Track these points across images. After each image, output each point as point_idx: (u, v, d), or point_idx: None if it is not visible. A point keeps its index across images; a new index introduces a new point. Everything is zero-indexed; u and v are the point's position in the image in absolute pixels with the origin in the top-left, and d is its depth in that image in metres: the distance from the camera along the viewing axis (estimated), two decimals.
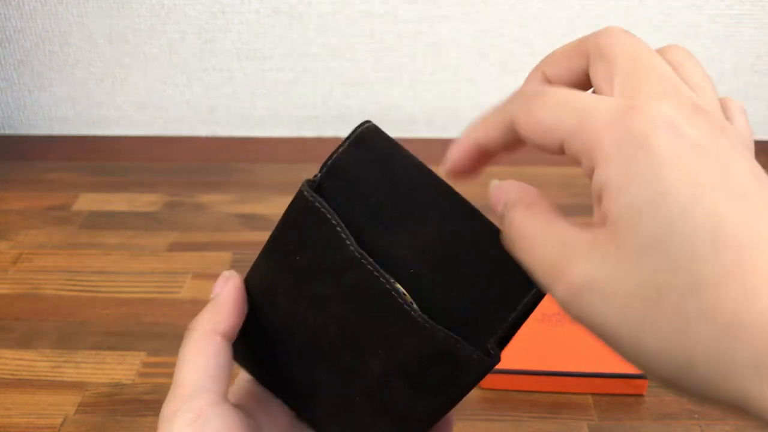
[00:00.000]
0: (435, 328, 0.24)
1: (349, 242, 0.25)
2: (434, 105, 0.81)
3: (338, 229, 0.25)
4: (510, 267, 0.24)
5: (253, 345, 0.29)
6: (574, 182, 0.75)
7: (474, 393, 0.49)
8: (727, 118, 0.22)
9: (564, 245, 0.21)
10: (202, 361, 0.28)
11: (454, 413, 0.43)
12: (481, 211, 0.27)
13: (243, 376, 0.32)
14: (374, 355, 0.25)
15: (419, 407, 0.26)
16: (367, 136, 0.27)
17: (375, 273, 0.25)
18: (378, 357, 0.25)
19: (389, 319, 0.25)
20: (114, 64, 0.79)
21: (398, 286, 0.25)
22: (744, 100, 0.80)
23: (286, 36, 0.77)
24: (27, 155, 0.79)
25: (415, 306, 0.25)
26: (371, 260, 0.25)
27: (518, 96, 0.24)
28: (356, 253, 0.25)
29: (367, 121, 0.28)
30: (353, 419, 0.27)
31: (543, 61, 0.26)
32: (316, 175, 0.27)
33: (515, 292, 0.26)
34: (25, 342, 0.53)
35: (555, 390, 0.49)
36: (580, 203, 0.73)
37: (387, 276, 0.25)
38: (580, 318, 0.21)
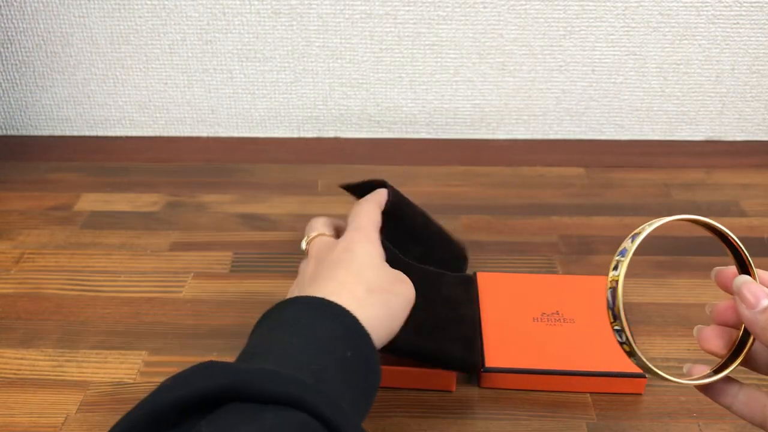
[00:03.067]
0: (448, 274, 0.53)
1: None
2: (434, 105, 0.82)
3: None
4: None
5: None
6: (571, 182, 0.75)
7: (473, 392, 0.49)
8: None
9: None
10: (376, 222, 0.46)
11: (454, 411, 0.45)
12: None
13: None
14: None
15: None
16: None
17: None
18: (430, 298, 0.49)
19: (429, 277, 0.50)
20: (115, 65, 0.80)
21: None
22: (742, 100, 0.81)
23: (287, 37, 0.78)
24: (29, 156, 0.80)
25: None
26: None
27: None
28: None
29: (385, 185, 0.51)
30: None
31: None
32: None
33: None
34: (27, 341, 0.54)
35: (554, 389, 0.49)
36: (578, 203, 0.74)
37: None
38: None
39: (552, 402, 0.49)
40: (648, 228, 0.35)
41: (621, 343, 0.35)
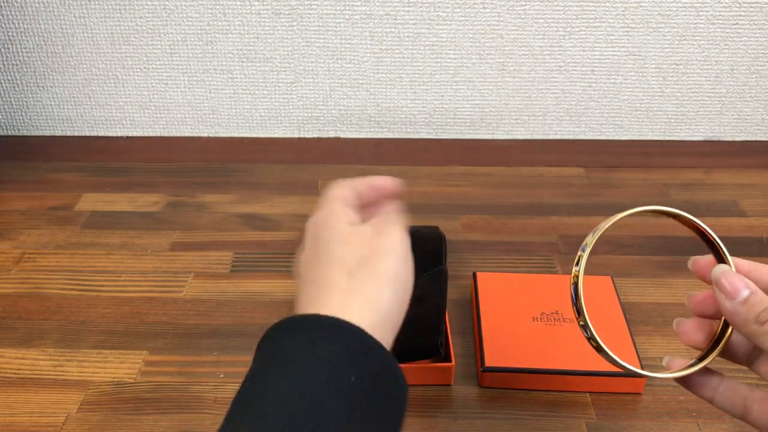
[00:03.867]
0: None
1: None
2: (433, 106, 0.82)
3: None
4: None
5: None
6: (570, 182, 0.75)
7: (473, 391, 0.50)
8: None
9: None
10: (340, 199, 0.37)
11: (454, 410, 0.45)
12: None
13: None
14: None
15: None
16: None
17: None
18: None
19: None
20: (116, 66, 0.80)
21: None
22: (741, 101, 0.81)
23: (287, 37, 0.78)
24: (30, 156, 0.80)
25: None
26: None
27: None
28: None
29: None
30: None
31: None
32: None
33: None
34: (27, 341, 0.54)
35: (554, 388, 0.49)
36: (577, 203, 0.74)
37: None
38: None
39: (552, 401, 0.49)
40: (609, 222, 0.34)
41: (588, 339, 0.34)
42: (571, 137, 0.84)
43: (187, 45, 0.78)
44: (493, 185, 0.74)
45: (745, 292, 0.32)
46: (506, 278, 0.57)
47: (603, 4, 0.75)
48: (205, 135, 0.84)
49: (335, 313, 0.31)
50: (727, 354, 0.35)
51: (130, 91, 0.81)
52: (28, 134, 0.85)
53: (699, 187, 0.74)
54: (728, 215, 0.68)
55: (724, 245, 0.35)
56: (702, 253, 0.33)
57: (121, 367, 0.51)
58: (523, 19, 0.76)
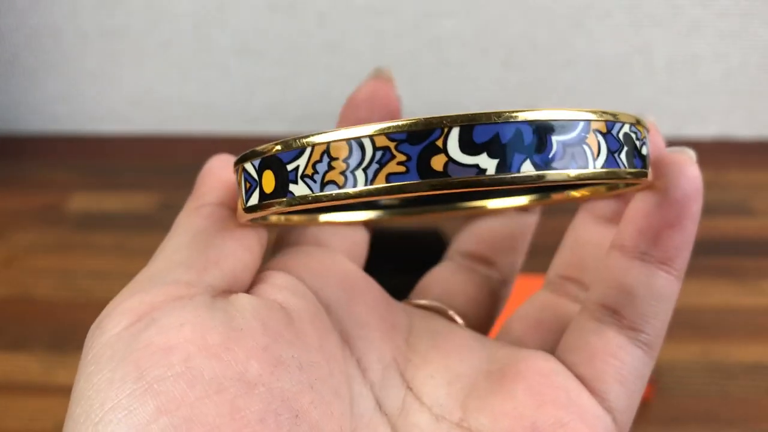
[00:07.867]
0: None
1: None
2: (435, 101, 0.80)
3: None
4: None
5: None
6: None
7: None
8: None
9: None
10: (172, 245, 0.18)
11: None
12: None
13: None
14: None
15: None
16: None
17: None
18: None
19: None
20: (108, 61, 0.78)
21: None
22: (750, 97, 0.80)
23: (284, 32, 0.76)
24: (18, 154, 0.78)
25: None
26: None
27: None
28: None
29: None
30: None
31: None
32: None
33: None
34: (16, 345, 0.52)
35: None
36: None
37: None
38: None
39: None
40: None
41: None
42: None
43: (180, 39, 0.77)
44: None
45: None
46: None
47: None
48: (200, 132, 0.83)
49: None
50: None
51: (122, 88, 0.80)
52: (17, 131, 0.83)
53: (709, 187, 0.72)
54: (739, 215, 0.67)
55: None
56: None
57: None
58: (528, 11, 0.75)
